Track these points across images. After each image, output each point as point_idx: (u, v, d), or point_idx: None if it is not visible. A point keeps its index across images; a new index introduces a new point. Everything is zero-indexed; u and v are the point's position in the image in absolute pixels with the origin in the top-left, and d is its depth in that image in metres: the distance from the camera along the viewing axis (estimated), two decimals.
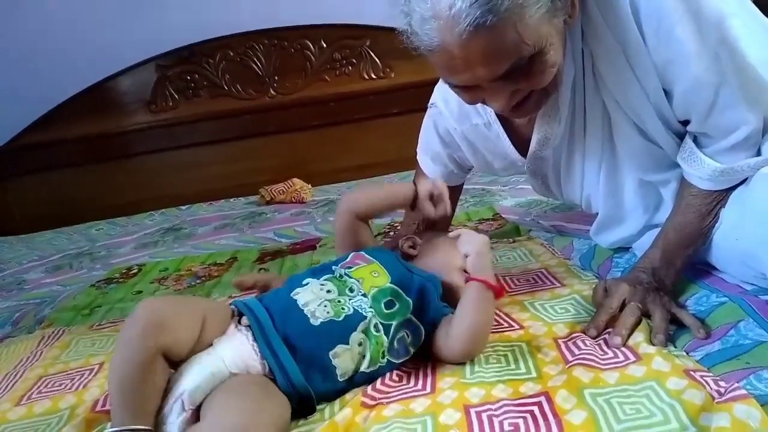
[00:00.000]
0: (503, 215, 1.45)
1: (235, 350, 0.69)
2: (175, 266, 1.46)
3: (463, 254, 0.81)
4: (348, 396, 0.71)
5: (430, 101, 1.12)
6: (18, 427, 0.78)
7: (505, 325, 0.84)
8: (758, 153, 0.85)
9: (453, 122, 1.06)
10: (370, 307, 0.74)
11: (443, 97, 1.07)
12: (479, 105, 0.97)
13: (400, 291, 0.77)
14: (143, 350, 0.63)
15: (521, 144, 1.00)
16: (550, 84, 0.79)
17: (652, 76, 0.82)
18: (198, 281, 1.32)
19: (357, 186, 1.75)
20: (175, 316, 0.67)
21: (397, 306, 0.75)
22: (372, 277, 0.78)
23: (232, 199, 2.14)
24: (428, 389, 0.70)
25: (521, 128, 0.99)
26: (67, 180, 2.17)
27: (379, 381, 0.72)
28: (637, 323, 0.78)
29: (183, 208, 2.12)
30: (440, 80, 1.08)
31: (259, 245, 1.55)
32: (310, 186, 2.02)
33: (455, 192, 1.20)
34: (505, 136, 1.00)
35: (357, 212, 0.91)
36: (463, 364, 0.74)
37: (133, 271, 1.47)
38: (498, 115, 0.98)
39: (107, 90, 2.16)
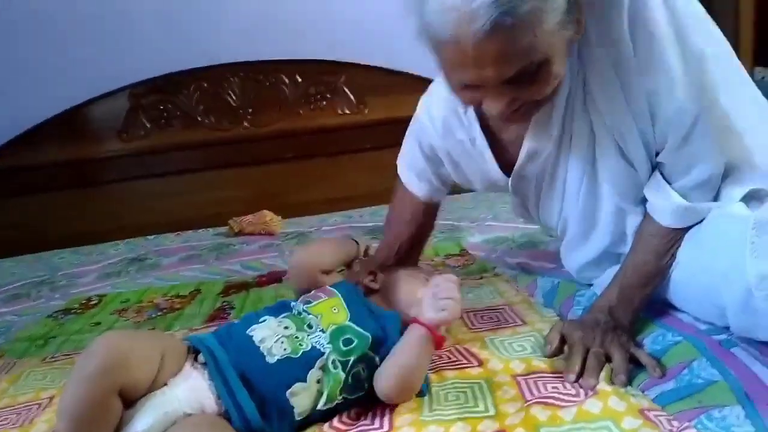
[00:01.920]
0: (470, 251, 1.46)
1: (190, 389, 0.67)
2: (136, 297, 1.43)
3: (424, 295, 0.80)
4: None
5: (414, 116, 1.12)
6: None
7: (464, 361, 0.84)
8: (715, 199, 0.89)
9: (437, 138, 1.05)
10: (329, 343, 0.73)
11: (428, 111, 1.06)
12: (464, 119, 0.97)
13: (358, 329, 0.76)
14: (101, 388, 0.62)
15: (505, 164, 0.99)
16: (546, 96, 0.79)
17: (641, 99, 0.83)
18: (159, 313, 1.29)
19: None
20: (135, 353, 0.65)
21: (355, 342, 0.75)
22: (331, 313, 0.78)
23: (200, 230, 2.11)
24: (386, 427, 0.70)
25: (508, 145, 0.98)
26: (33, 206, 2.11)
27: (336, 418, 0.72)
28: (602, 367, 0.78)
29: (150, 237, 2.08)
30: (425, 94, 1.09)
31: (225, 277, 1.53)
32: (280, 218, 2.01)
33: (434, 211, 1.20)
34: (490, 153, 0.99)
35: (322, 268, 0.91)
36: (420, 399, 0.74)
37: (93, 302, 1.43)
38: (483, 130, 0.97)
39: (79, 116, 2.13)
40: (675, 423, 0.63)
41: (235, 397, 0.66)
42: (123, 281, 1.62)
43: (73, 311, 1.37)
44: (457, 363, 0.84)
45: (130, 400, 0.65)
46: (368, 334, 0.76)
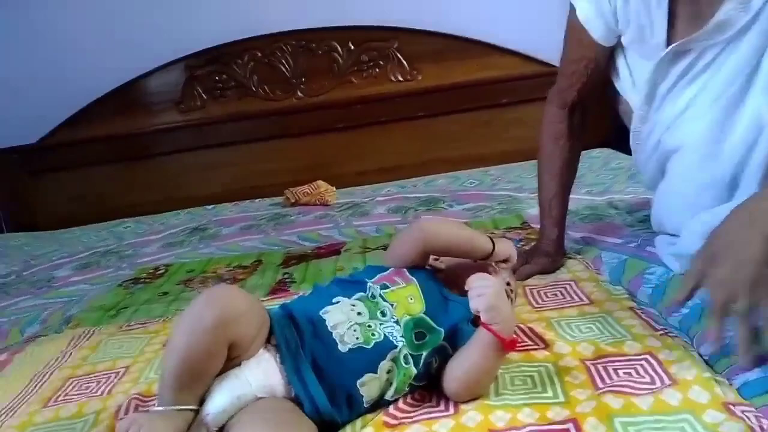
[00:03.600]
0: (531, 224, 1.42)
1: (262, 373, 0.67)
2: (200, 268, 1.47)
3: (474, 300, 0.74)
4: (369, 415, 0.70)
5: None
6: (43, 431, 0.79)
7: (529, 343, 0.82)
8: None
9: None
10: (402, 336, 0.72)
11: None
12: None
13: (432, 323, 0.75)
14: (217, 339, 0.64)
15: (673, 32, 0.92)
16: None
17: None
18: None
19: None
20: (247, 311, 0.67)
21: (428, 337, 0.73)
22: (407, 302, 0.76)
23: (257, 200, 2.15)
24: (451, 410, 0.69)
25: (695, 6, 0.89)
26: (96, 178, 2.20)
27: (401, 400, 0.71)
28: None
29: (209, 207, 2.14)
30: None
31: (284, 248, 1.55)
32: (334, 188, 2.02)
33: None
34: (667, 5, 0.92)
35: (431, 244, 0.85)
36: None
37: (159, 272, 1.49)
38: None
39: (137, 89, 2.18)
40: (764, 421, 0.59)
41: (306, 385, 0.67)
42: (186, 251, 1.67)
43: (141, 281, 1.43)
44: (521, 345, 0.82)
45: (230, 358, 0.67)
46: (441, 330, 0.74)
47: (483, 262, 0.87)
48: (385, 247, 1.41)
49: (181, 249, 1.70)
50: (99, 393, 0.87)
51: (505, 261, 0.89)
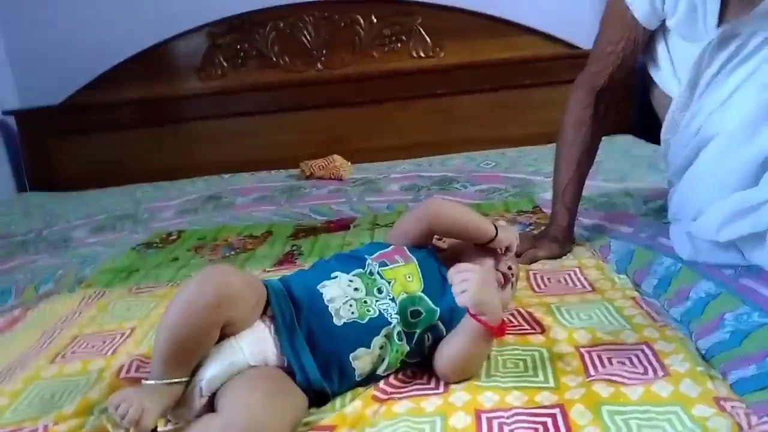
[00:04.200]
0: (543, 209, 1.41)
1: (257, 343, 0.69)
2: (212, 235, 1.49)
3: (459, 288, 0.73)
4: (360, 388, 0.71)
5: None
6: (49, 385, 0.82)
7: (526, 327, 0.82)
8: None
9: None
10: (397, 313, 0.73)
11: None
12: None
13: (429, 301, 0.75)
14: (210, 320, 0.64)
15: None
16: None
17: None
18: (233, 252, 1.35)
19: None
20: (242, 291, 0.68)
21: (423, 315, 0.74)
22: (405, 280, 0.77)
23: (273, 171, 2.16)
24: (441, 388, 0.70)
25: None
26: (116, 141, 2.23)
27: (392, 376, 0.72)
28: None
29: (225, 176, 2.16)
30: None
31: (295, 220, 1.56)
32: (349, 163, 2.02)
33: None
34: None
35: (435, 223, 0.86)
36: None
37: (172, 237, 1.51)
38: None
39: (159, 55, 2.20)
40: (753, 418, 0.59)
41: (299, 356, 0.68)
42: (200, 218, 1.70)
43: (154, 245, 1.46)
44: (518, 328, 0.82)
45: (224, 334, 0.68)
46: (437, 308, 0.75)
47: (485, 247, 0.87)
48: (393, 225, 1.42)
49: (195, 216, 1.73)
50: (104, 352, 0.90)
51: (506, 249, 0.89)
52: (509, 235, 0.89)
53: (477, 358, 0.72)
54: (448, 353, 0.72)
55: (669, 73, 1.03)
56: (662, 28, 1.02)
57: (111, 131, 2.23)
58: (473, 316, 0.70)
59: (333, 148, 2.08)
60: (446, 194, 1.66)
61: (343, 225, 1.46)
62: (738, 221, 0.90)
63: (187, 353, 0.65)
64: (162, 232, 1.56)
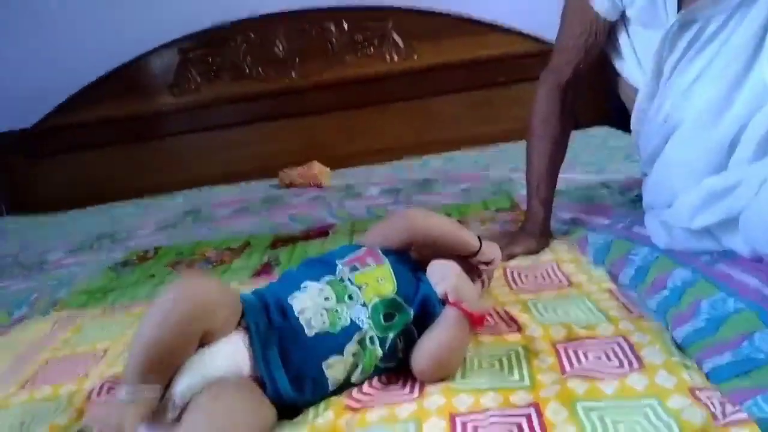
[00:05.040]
0: (521, 206, 1.40)
1: (230, 354, 0.67)
2: (190, 251, 1.47)
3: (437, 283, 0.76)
4: (334, 397, 0.69)
5: None
6: (19, 412, 0.79)
7: (503, 326, 0.81)
8: None
9: None
10: (368, 318, 0.72)
11: None
12: None
13: (403, 303, 0.74)
14: (187, 333, 0.63)
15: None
16: None
17: None
18: (209, 266, 1.33)
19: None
20: (218, 302, 0.67)
21: (396, 318, 0.73)
22: (377, 284, 0.75)
23: (252, 182, 2.14)
24: (416, 393, 0.68)
25: None
26: (92, 161, 2.21)
27: (366, 384, 0.71)
28: None
29: (204, 189, 2.14)
30: None
31: (274, 231, 1.54)
32: (329, 170, 2.01)
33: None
34: None
35: (417, 236, 0.84)
36: None
37: (149, 255, 1.49)
38: None
39: (131, 73, 2.18)
40: (728, 406, 0.58)
41: (270, 368, 0.66)
42: (179, 233, 1.68)
43: (130, 263, 1.43)
44: (494, 328, 0.81)
45: (200, 344, 0.66)
46: (410, 311, 0.74)
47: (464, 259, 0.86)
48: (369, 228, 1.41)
49: (174, 231, 1.70)
50: (76, 375, 0.87)
51: (488, 263, 0.88)
52: (493, 250, 0.89)
53: (457, 352, 0.72)
54: (427, 347, 0.71)
55: (633, 63, 1.03)
56: (623, 18, 1.02)
57: (86, 151, 2.20)
58: (453, 303, 0.70)
59: (312, 155, 2.07)
60: (426, 196, 1.65)
61: (321, 232, 1.44)
62: (710, 208, 0.90)
63: (162, 363, 0.63)
64: (139, 250, 1.53)
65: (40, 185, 2.23)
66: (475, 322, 0.73)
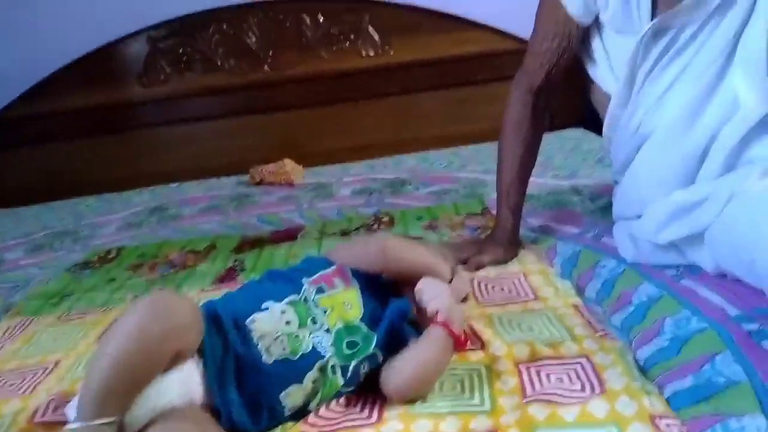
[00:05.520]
0: (492, 210, 1.38)
1: (184, 381, 0.64)
2: (153, 252, 1.42)
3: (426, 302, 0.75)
4: (290, 423, 0.67)
5: None
6: None
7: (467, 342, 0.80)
8: None
9: None
10: (332, 345, 0.69)
11: None
12: None
13: (367, 331, 0.72)
14: (163, 351, 0.60)
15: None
16: None
17: None
18: (171, 270, 1.29)
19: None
20: (193, 322, 0.64)
21: (360, 345, 0.71)
22: (343, 308, 0.73)
23: (222, 178, 2.09)
24: (374, 418, 0.67)
25: None
26: (56, 153, 2.12)
27: (323, 407, 0.69)
28: None
29: (173, 186, 2.08)
30: None
31: (241, 232, 1.51)
32: (301, 168, 1.97)
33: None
34: None
35: (391, 267, 0.81)
36: None
37: (111, 256, 1.44)
38: None
39: (97, 61, 2.09)
40: None
41: (225, 397, 0.64)
42: (143, 232, 1.63)
43: (90, 265, 1.39)
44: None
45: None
46: (374, 335, 0.72)
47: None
48: (342, 233, 1.38)
49: (138, 230, 1.65)
50: (22, 391, 0.84)
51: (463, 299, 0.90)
52: (463, 285, 0.90)
53: (437, 373, 0.71)
54: (407, 368, 0.69)
55: (605, 69, 1.02)
56: (597, 24, 1.01)
57: (50, 143, 2.12)
58: (443, 324, 0.71)
59: (284, 152, 2.02)
60: (398, 197, 1.63)
61: (290, 235, 1.41)
62: (676, 222, 0.89)
63: (129, 388, 0.59)
64: (101, 250, 1.48)
65: (3, 179, 2.14)
66: (460, 344, 0.73)
